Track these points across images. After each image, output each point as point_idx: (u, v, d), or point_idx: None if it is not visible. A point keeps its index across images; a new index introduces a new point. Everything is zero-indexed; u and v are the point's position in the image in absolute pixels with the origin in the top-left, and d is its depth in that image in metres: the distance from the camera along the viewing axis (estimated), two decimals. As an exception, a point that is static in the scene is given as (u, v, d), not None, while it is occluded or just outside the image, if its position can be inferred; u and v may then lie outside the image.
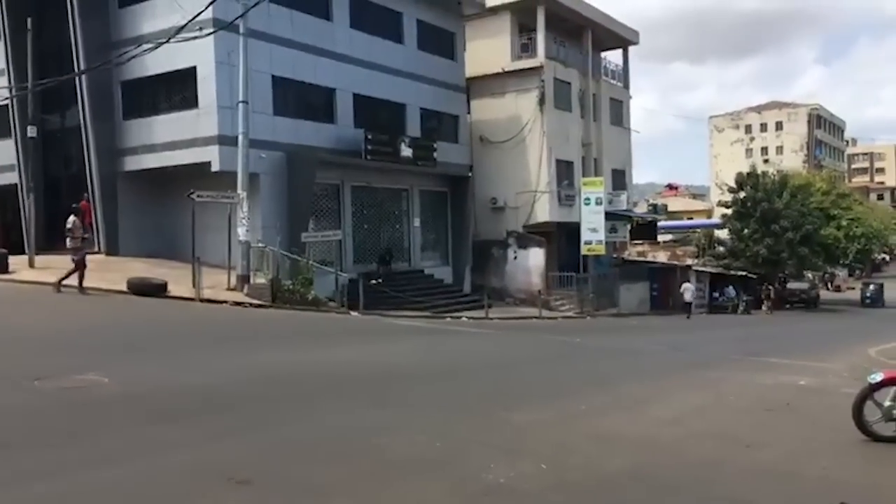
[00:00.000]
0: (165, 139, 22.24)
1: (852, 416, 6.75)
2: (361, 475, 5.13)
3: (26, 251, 20.78)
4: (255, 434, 6.10)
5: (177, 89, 22.52)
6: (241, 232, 18.97)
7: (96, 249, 22.01)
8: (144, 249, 22.51)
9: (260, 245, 19.72)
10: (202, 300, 17.16)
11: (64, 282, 16.15)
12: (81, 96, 22.86)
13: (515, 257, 31.42)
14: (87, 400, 6.98)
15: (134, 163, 23.27)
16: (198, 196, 18.79)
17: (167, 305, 16.42)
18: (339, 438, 6.17)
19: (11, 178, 24.74)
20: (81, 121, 23.10)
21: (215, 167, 20.95)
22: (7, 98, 23.51)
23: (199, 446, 5.58)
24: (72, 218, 17.05)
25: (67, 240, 16.80)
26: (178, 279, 18.12)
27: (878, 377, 6.82)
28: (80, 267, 16.26)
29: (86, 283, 16.35)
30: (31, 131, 21.23)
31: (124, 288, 16.90)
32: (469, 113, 31.94)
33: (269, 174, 22.10)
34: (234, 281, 18.91)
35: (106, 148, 23.14)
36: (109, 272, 18.46)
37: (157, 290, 17.09)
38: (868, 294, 51.85)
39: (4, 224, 26.30)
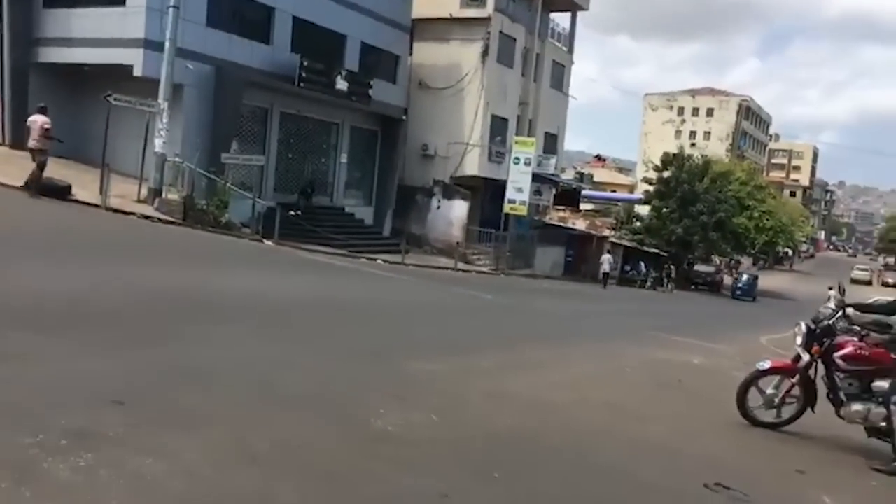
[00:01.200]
0: (87, 35, 20.98)
1: (736, 399, 6.90)
2: (243, 408, 4.93)
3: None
4: (139, 354, 5.78)
5: (105, -18, 21.17)
6: (158, 143, 18.18)
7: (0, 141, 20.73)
8: (53, 148, 21.28)
9: (177, 160, 18.93)
10: (108, 209, 16.40)
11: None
12: (-2, -26, 21.28)
13: (439, 207, 31.33)
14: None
15: (50, 55, 21.95)
16: (115, 99, 17.89)
17: (69, 209, 15.62)
18: (231, 369, 5.93)
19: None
20: (-5, 2, 21.54)
21: (137, 72, 19.90)
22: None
23: (72, 360, 5.22)
24: (42, 117, 15.98)
25: (33, 140, 15.79)
26: (85, 184, 17.27)
27: (765, 365, 7.00)
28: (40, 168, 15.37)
29: None
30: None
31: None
32: (411, 55, 31.25)
33: (194, 87, 21.14)
34: (144, 193, 18.16)
35: (21, 35, 21.80)
36: (11, 166, 17.37)
37: (60, 192, 16.19)
38: (739, 285, 45.86)
39: None
